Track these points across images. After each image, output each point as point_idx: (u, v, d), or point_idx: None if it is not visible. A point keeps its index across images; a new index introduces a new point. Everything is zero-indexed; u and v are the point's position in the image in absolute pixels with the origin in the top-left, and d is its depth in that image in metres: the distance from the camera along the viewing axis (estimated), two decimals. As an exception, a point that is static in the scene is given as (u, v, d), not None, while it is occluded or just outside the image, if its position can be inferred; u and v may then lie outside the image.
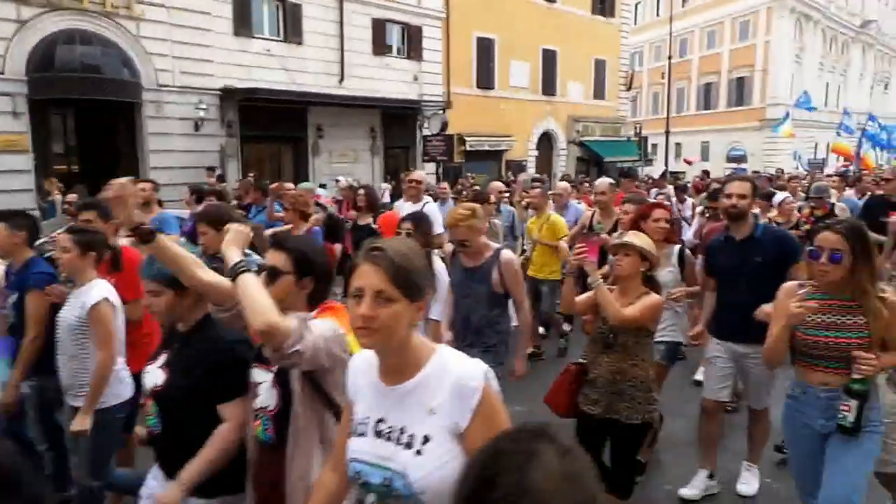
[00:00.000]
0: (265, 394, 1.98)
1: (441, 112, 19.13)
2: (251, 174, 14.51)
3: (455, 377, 1.40)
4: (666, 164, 26.59)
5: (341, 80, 17.00)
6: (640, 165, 25.98)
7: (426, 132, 18.93)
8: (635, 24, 35.08)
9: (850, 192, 9.79)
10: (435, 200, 7.31)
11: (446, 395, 1.39)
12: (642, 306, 2.94)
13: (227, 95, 14.57)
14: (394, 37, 18.62)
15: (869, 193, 8.34)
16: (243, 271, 1.78)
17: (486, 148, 21.80)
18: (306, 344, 1.71)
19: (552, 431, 0.92)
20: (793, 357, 2.64)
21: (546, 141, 24.68)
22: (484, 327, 3.52)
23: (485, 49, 21.43)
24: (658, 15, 40.51)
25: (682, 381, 5.35)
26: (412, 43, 18.94)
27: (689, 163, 29.76)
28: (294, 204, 5.39)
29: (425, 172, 18.58)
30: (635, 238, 3.09)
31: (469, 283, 3.55)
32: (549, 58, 23.64)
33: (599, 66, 25.82)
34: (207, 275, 2.09)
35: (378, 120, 18.26)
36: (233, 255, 1.85)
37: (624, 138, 26.93)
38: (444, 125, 18.47)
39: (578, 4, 24.37)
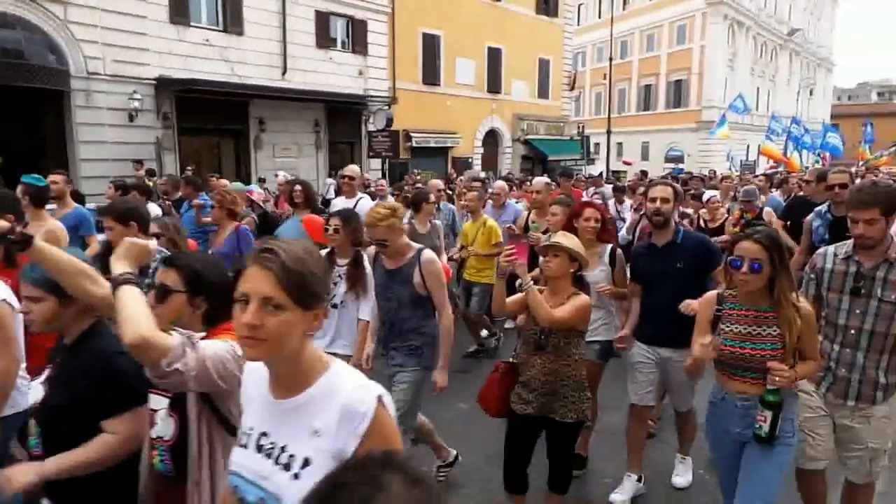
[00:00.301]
0: (161, 423, 1.84)
1: (386, 107, 18.99)
2: (189, 168, 14.04)
3: (345, 399, 1.28)
4: (608, 164, 27.27)
5: (284, 72, 16.66)
6: (582, 164, 26.51)
7: (371, 127, 18.76)
8: (578, 24, 35.82)
9: (775, 193, 10.10)
10: (373, 198, 7.25)
11: (334, 417, 1.27)
12: (572, 307, 2.96)
13: (164, 86, 14.03)
14: (338, 30, 18.38)
15: (792, 194, 8.67)
16: (124, 283, 1.64)
17: (433, 145, 21.81)
18: (188, 363, 1.57)
19: (400, 460, 0.83)
20: (715, 363, 2.68)
21: (492, 138, 24.90)
22: (408, 331, 3.40)
23: (430, 45, 21.42)
24: (600, 17, 41.44)
25: (619, 374, 5.48)
26: (357, 37, 18.73)
27: (627, 164, 30.54)
28: (222, 202, 5.07)
29: (370, 168, 18.65)
30: (564, 239, 3.09)
31: (391, 284, 3.42)
32: (495, 56, 23.85)
33: (543, 65, 26.21)
34: (95, 285, 1.93)
35: (322, 114, 17.99)
36: (119, 268, 1.70)
37: (567, 137, 27.45)
38: (390, 121, 18.34)
39: (523, 4, 24.68)
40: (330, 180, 15.80)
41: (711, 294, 2.70)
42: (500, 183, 7.86)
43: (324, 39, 17.74)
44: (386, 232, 3.26)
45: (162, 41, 14.12)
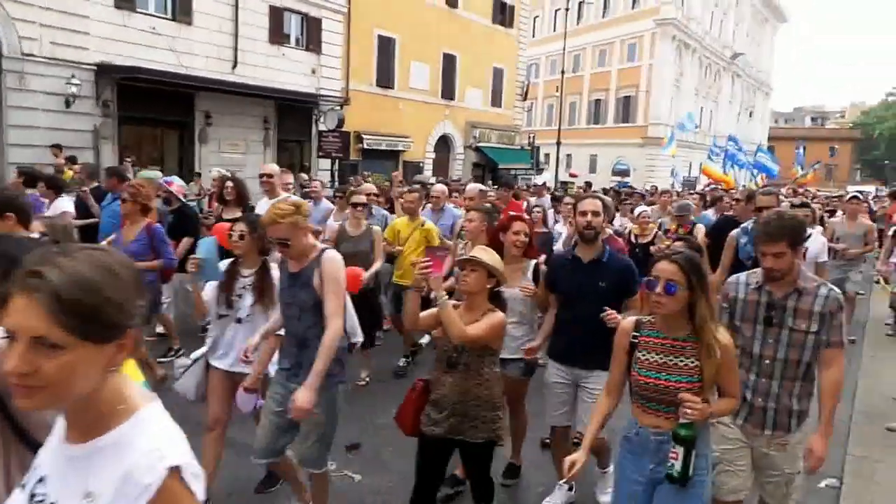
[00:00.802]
0: None
1: (338, 108, 18.80)
2: (128, 158, 13.55)
3: (131, 463, 1.02)
4: (556, 174, 27.80)
5: (234, 66, 16.27)
6: (532, 174, 26.94)
7: (322, 127, 18.53)
8: (533, 36, 36.42)
9: (709, 212, 10.10)
10: (310, 198, 7.05)
11: (113, 481, 1.01)
12: (486, 325, 2.84)
13: (105, 72, 13.48)
14: (292, 27, 18.08)
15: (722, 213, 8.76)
16: None
17: (384, 147, 21.70)
18: None
19: None
20: (630, 394, 2.56)
21: (443, 144, 24.97)
22: (311, 339, 2.99)
23: (386, 48, 21.34)
24: (555, 30, 42.25)
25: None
26: (311, 35, 18.48)
27: (574, 176, 31.18)
28: (134, 195, 4.68)
29: (320, 169, 18.40)
30: (482, 253, 2.96)
31: (293, 290, 3.07)
32: (450, 62, 23.96)
33: (498, 74, 26.50)
34: None
35: (272, 111, 17.65)
36: None
37: (518, 147, 27.81)
38: (341, 121, 18.16)
39: (479, 12, 24.90)
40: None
41: (629, 320, 2.56)
42: (440, 186, 7.70)
43: (277, 35, 17.43)
44: (288, 230, 2.92)
45: (105, 26, 13.55)
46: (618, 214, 7.89)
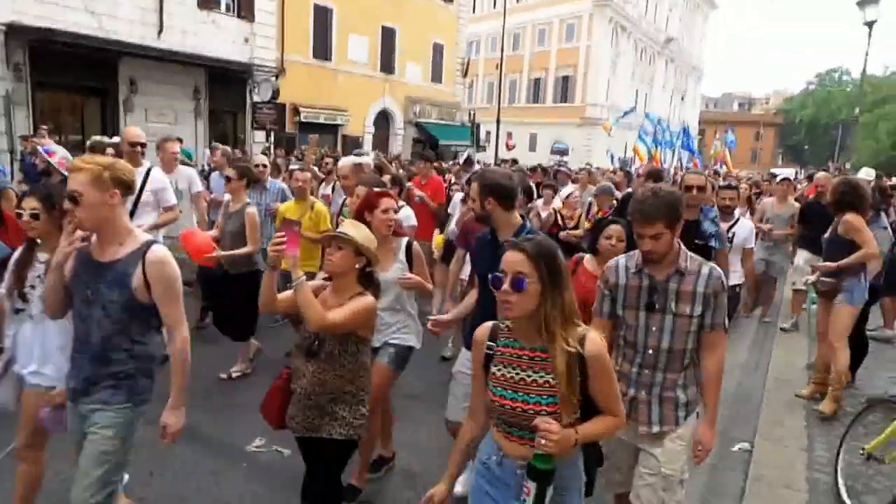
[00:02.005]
0: None
1: (273, 79, 18.21)
2: (44, 126, 12.68)
3: None
4: (496, 152, 27.93)
5: (160, 31, 15.43)
6: (472, 151, 26.96)
7: (256, 98, 17.91)
8: (474, 12, 36.19)
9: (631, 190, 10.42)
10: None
11: None
12: (350, 310, 2.54)
13: (15, 33, 12.53)
14: (224, -9, 17.29)
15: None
16: None
17: (322, 121, 21.24)
18: None
19: None
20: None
21: (383, 119, 24.65)
22: (112, 352, 2.36)
23: (322, 18, 20.77)
24: (495, 6, 42.18)
25: (430, 360, 5.29)
26: (243, 1, 17.73)
27: (510, 147, 31.33)
28: None
29: (255, 141, 17.83)
30: (351, 229, 2.69)
31: (96, 284, 2.34)
32: (389, 36, 23.57)
33: (438, 49, 26.26)
34: None
35: (203, 80, 16.91)
36: None
37: (458, 123, 27.75)
38: (276, 92, 17.62)
39: (418, -15, 24.51)
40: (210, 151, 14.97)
41: (485, 326, 2.08)
42: (349, 160, 6.99)
43: (206, 1, 16.63)
44: (84, 184, 2.23)
45: (14, -18, 12.56)
46: (540, 202, 7.59)
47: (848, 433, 3.86)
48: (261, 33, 18.35)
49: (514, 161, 18.52)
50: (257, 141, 18.01)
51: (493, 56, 38.88)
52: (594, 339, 1.89)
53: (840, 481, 3.65)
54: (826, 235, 4.91)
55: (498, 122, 27.32)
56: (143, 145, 5.09)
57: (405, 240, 3.59)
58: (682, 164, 23.14)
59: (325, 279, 2.83)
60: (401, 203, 5.14)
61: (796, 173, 39.58)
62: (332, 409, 2.63)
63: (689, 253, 2.51)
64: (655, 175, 5.24)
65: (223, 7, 17.35)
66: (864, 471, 3.63)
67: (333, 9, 20.97)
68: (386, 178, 5.97)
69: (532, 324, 1.88)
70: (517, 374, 1.92)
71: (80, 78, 14.26)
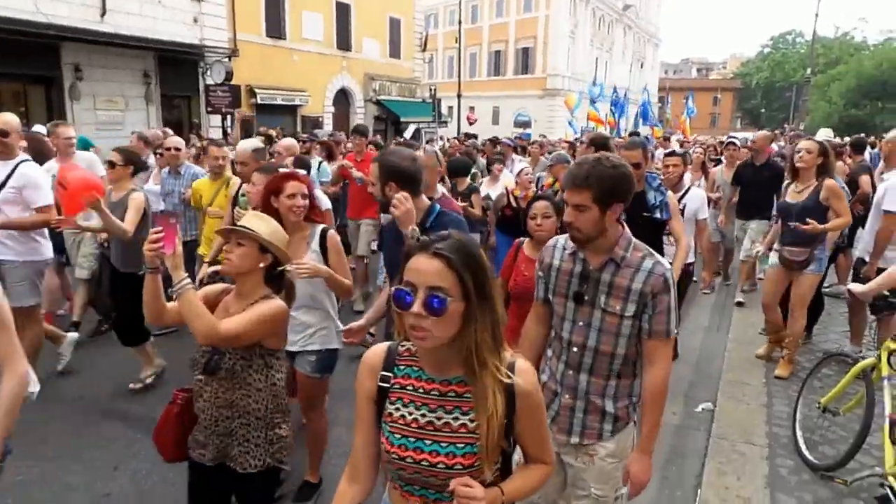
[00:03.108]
0: None
1: (226, 60, 17.69)
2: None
3: None
4: (458, 127, 27.79)
5: (103, 14, 14.79)
6: (434, 127, 26.80)
7: (209, 81, 17.39)
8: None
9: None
10: None
11: None
12: (251, 318, 2.13)
13: (-54, 20, 11.88)
14: (167, -31, 16.62)
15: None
16: None
17: (280, 102, 20.80)
18: None
19: None
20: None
21: (343, 98, 24.25)
22: None
23: (274, -5, 20.18)
24: (452, -20, 41.66)
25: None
26: (190, -21, 17.10)
27: (472, 121, 31.17)
28: None
29: (210, 125, 17.36)
30: (254, 221, 2.30)
31: None
32: (344, 11, 23.08)
33: (395, 24, 25.83)
34: None
35: (153, 64, 16.32)
36: None
37: (420, 99, 27.47)
38: (230, 74, 17.08)
39: (372, -43, 23.99)
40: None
41: (377, 349, 1.53)
42: (289, 140, 6.60)
43: (151, -21, 15.98)
44: None
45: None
46: (485, 180, 7.17)
47: (804, 388, 3.99)
48: (211, 12, 17.74)
49: (469, 136, 18.34)
50: (214, 125, 17.54)
51: (452, 29, 38.45)
52: (526, 370, 1.43)
53: (798, 434, 3.77)
54: (793, 200, 4.62)
55: (459, 96, 27.14)
56: (178, 149, 5.63)
57: (320, 227, 3.13)
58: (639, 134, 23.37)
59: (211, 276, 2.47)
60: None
61: (754, 136, 40.46)
62: (242, 435, 2.25)
63: (636, 242, 2.10)
64: (600, 142, 4.69)
65: (168, -15, 16.69)
66: (821, 423, 3.75)
67: (285, -15, 20.40)
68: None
69: (452, 352, 1.36)
70: (422, 415, 1.41)
71: (21, 65, 13.58)
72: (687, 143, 14.81)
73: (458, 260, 1.30)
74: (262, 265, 2.27)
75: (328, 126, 22.31)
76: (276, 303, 2.25)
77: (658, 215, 3.86)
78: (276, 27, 20.44)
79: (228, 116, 17.00)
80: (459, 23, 27.40)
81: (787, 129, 23.00)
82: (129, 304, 4.21)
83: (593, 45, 43.89)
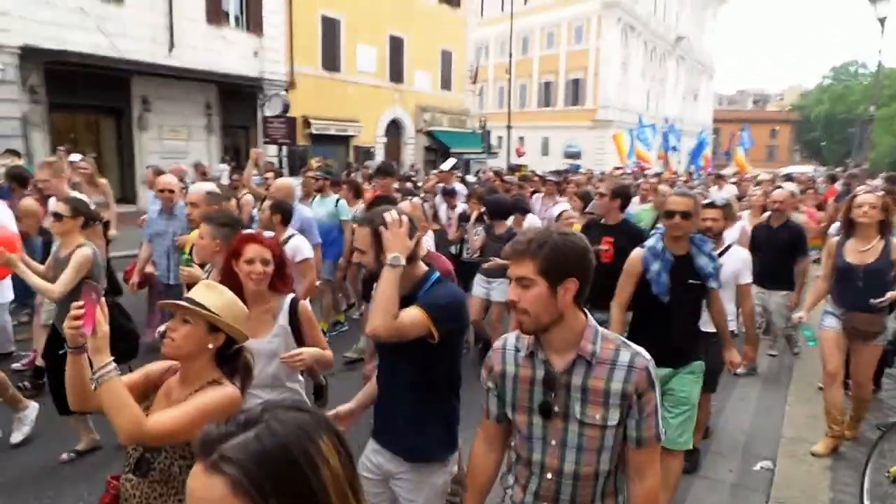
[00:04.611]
0: None
1: (283, 92, 18.33)
2: (62, 147, 12.87)
3: None
4: (508, 157, 27.88)
5: (171, 48, 15.60)
6: (484, 158, 26.97)
7: (267, 112, 18.03)
8: (482, 16, 36.23)
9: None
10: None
11: None
12: (187, 413, 1.75)
13: (29, 56, 12.72)
14: (231, 5, 17.44)
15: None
16: None
17: (333, 132, 21.35)
18: None
19: None
20: None
21: (394, 129, 24.71)
22: None
23: (330, 29, 20.89)
24: (503, 10, 42.21)
25: None
26: (252, 14, 17.89)
27: (520, 154, 31.22)
28: None
29: (267, 156, 17.91)
30: (204, 293, 1.94)
31: None
32: (397, 44, 23.65)
33: (446, 56, 26.30)
34: None
35: (215, 96, 17.09)
36: None
37: (470, 130, 27.76)
38: (286, 106, 17.69)
39: (424, -8, 24.54)
40: (223, 166, 15.09)
41: None
42: (283, 182, 5.89)
43: (215, 15, 16.79)
44: None
45: (28, 5, 12.74)
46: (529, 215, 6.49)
47: (873, 453, 3.75)
48: (270, 46, 18.50)
49: (514, 168, 18.06)
50: (270, 155, 18.11)
51: (503, 60, 38.91)
52: None
53: None
54: (856, 261, 4.10)
55: (509, 127, 27.31)
56: (171, 191, 5.09)
57: (289, 297, 2.71)
58: (695, 169, 22.81)
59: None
60: (290, 232, 4.62)
61: (814, 170, 39.11)
62: None
63: (603, 331, 1.74)
64: (622, 193, 4.41)
65: (232, 22, 17.52)
66: (893, 493, 3.52)
67: (341, 19, 21.08)
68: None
69: None
70: None
71: (94, 97, 14.43)
72: (745, 182, 14.25)
73: (255, 478, 0.76)
74: (211, 346, 1.89)
75: (379, 156, 22.77)
76: (225, 391, 1.86)
77: (712, 284, 3.25)
78: (331, 60, 21.10)
79: (284, 147, 17.57)
80: (510, 55, 27.67)
81: (849, 165, 22.07)
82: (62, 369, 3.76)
83: (645, 76, 43.58)
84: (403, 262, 2.11)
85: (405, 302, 2.13)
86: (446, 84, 26.61)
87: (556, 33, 41.70)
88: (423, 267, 2.32)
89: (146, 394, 1.95)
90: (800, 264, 5.60)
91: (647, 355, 1.70)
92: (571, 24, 40.63)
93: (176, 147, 15.82)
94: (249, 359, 2.04)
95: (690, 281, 3.19)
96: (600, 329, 1.74)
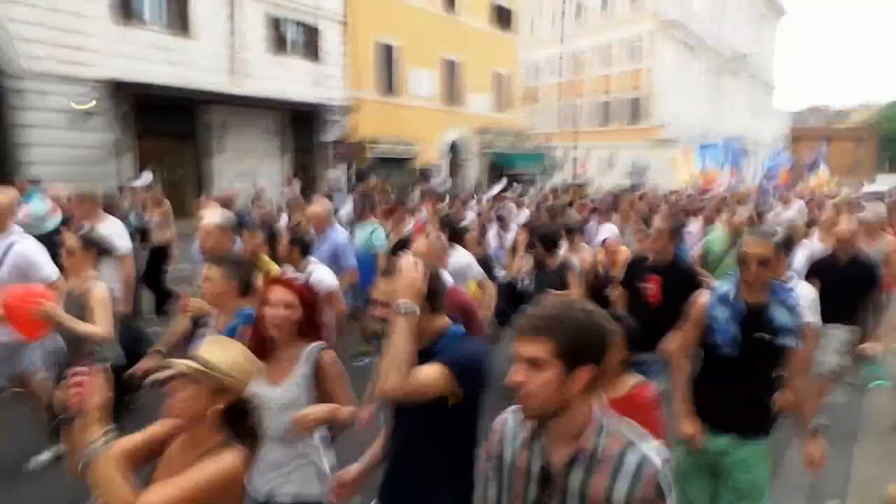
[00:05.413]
0: None
1: (345, 116, 18.99)
2: (148, 170, 13.82)
3: None
4: (573, 175, 27.75)
5: (238, 77, 16.56)
6: (546, 176, 26.96)
7: (330, 136, 18.71)
8: (534, 38, 36.35)
9: (694, 222, 8.18)
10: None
11: None
12: (183, 489, 1.62)
13: (120, 88, 13.84)
14: (291, 36, 18.34)
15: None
16: None
17: (394, 155, 21.90)
18: None
19: None
20: None
21: (454, 150, 25.10)
22: None
23: (386, 55, 21.69)
24: (554, 31, 42.23)
25: None
26: (311, 44, 18.82)
27: (582, 171, 30.90)
28: None
29: (330, 177, 18.53)
30: (211, 349, 1.81)
31: None
32: (451, 67, 24.30)
33: (501, 78, 26.74)
34: None
35: (282, 121, 18.00)
36: None
37: (530, 150, 27.80)
38: (348, 130, 18.34)
39: (477, 16, 25.19)
40: (287, 187, 15.72)
41: None
42: (318, 209, 5.50)
43: (277, 45, 17.74)
44: None
45: (114, 42, 13.92)
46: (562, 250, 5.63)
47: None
48: (329, 73, 19.34)
49: (575, 187, 17.72)
50: (332, 177, 18.77)
51: (559, 80, 38.95)
52: None
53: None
54: None
55: (575, 146, 27.15)
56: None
57: (314, 346, 2.46)
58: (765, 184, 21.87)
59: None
60: (311, 264, 4.39)
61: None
62: None
63: (611, 424, 1.50)
64: (681, 230, 4.17)
65: (293, 50, 18.35)
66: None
67: (397, 44, 21.84)
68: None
69: None
70: None
71: (174, 124, 15.49)
72: (811, 203, 13.54)
73: None
74: (213, 408, 1.74)
75: (440, 178, 23.17)
76: (227, 460, 1.70)
77: (788, 343, 2.68)
78: (388, 84, 21.86)
79: (351, 166, 18.09)
80: (560, 76, 27.60)
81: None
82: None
83: (705, 95, 42.50)
84: (417, 310, 1.91)
85: (420, 357, 1.92)
86: (502, 105, 26.89)
87: (611, 53, 41.36)
88: (444, 319, 2.10)
89: (150, 456, 1.82)
90: (876, 297, 4.72)
91: (661, 456, 1.46)
92: (625, 44, 40.24)
93: (248, 170, 16.62)
94: (259, 421, 1.88)
95: (766, 336, 2.68)
96: (608, 422, 1.50)
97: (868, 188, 23.76)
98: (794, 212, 9.79)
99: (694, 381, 2.96)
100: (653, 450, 1.46)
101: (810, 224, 7.31)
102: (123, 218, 6.29)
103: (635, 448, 1.45)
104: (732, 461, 2.76)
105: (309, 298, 2.48)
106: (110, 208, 6.50)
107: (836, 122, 77.99)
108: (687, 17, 39.22)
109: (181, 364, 1.73)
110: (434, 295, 2.02)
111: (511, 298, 5.25)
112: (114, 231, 5.02)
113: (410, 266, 1.94)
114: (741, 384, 2.74)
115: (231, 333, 2.59)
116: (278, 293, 2.40)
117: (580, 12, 39.27)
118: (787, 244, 3.69)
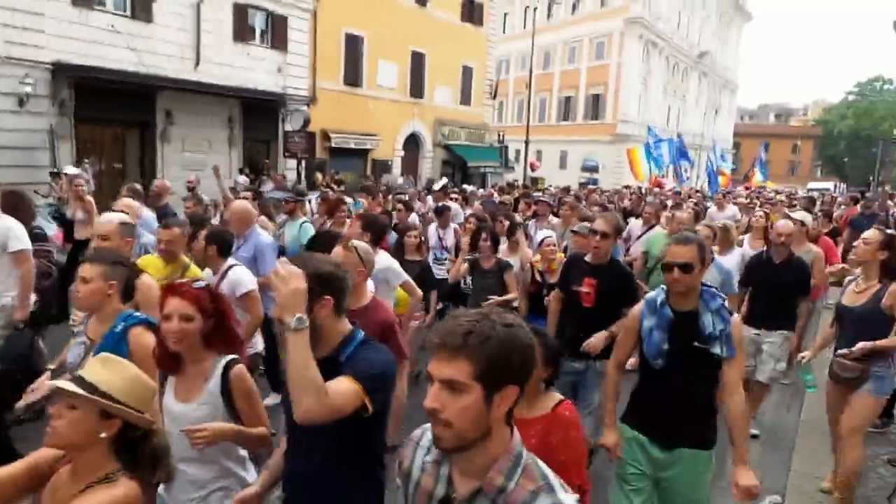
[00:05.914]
0: None
1: (305, 107, 18.60)
2: (87, 160, 13.26)
3: None
4: (525, 172, 27.95)
5: (197, 64, 15.94)
6: (501, 171, 27.07)
7: (288, 127, 18.30)
8: (504, 32, 36.47)
9: (635, 223, 8.15)
10: None
11: None
12: None
13: (61, 71, 13.10)
14: (257, 24, 17.78)
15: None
16: None
17: (352, 146, 21.56)
18: None
19: None
20: None
21: (413, 143, 24.89)
22: None
23: (353, 46, 21.15)
24: (525, 27, 42.43)
25: None
26: (277, 33, 18.22)
27: (534, 168, 31.16)
28: None
29: (286, 168, 18.17)
30: (99, 371, 1.64)
31: None
32: (418, 60, 23.87)
33: (467, 72, 26.46)
34: None
35: (237, 110, 17.39)
36: None
37: (487, 144, 27.88)
38: (307, 121, 17.96)
39: (448, 10, 24.76)
40: (242, 178, 15.33)
41: None
42: (239, 205, 5.14)
43: (242, 33, 17.14)
44: None
45: (62, 24, 13.14)
46: (503, 247, 5.63)
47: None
48: (293, 62, 18.79)
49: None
50: (289, 168, 18.37)
51: (523, 75, 39.06)
52: None
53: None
54: (851, 303, 3.85)
55: (527, 142, 27.37)
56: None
57: (225, 359, 2.25)
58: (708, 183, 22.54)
59: None
60: (230, 263, 4.06)
61: (835, 186, 38.48)
62: None
63: (528, 462, 1.31)
64: (620, 232, 4.20)
65: (258, 39, 17.84)
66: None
67: (364, 36, 21.36)
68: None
69: None
70: None
71: (120, 111, 14.77)
72: (754, 202, 13.87)
73: None
74: (103, 435, 1.57)
75: (396, 170, 22.98)
76: (118, 492, 1.54)
77: (717, 350, 2.59)
78: (353, 75, 21.35)
79: (302, 161, 17.78)
80: (531, 71, 27.80)
81: (870, 189, 21.52)
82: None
83: (666, 92, 43.44)
84: (306, 321, 1.70)
85: (325, 364, 1.77)
86: (466, 99, 26.77)
87: (578, 49, 41.81)
88: (346, 324, 1.98)
89: (31, 487, 1.63)
90: (803, 304, 4.90)
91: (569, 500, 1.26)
92: (593, 41, 40.72)
93: (196, 160, 16.08)
94: (160, 446, 1.69)
95: (695, 344, 2.61)
96: (526, 459, 1.30)
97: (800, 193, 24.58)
98: (726, 216, 10.00)
99: (634, 391, 2.94)
100: (568, 499, 1.26)
101: (746, 230, 7.58)
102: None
103: (552, 493, 1.25)
104: (673, 474, 2.73)
105: (209, 307, 2.21)
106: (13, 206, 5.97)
107: (783, 124, 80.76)
108: (654, 15, 39.78)
109: (58, 386, 1.56)
110: (338, 293, 1.91)
111: (453, 298, 5.20)
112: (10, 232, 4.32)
113: (290, 274, 1.70)
114: (675, 394, 2.69)
115: (110, 341, 2.41)
116: (173, 304, 2.16)
117: (551, 7, 39.46)
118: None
